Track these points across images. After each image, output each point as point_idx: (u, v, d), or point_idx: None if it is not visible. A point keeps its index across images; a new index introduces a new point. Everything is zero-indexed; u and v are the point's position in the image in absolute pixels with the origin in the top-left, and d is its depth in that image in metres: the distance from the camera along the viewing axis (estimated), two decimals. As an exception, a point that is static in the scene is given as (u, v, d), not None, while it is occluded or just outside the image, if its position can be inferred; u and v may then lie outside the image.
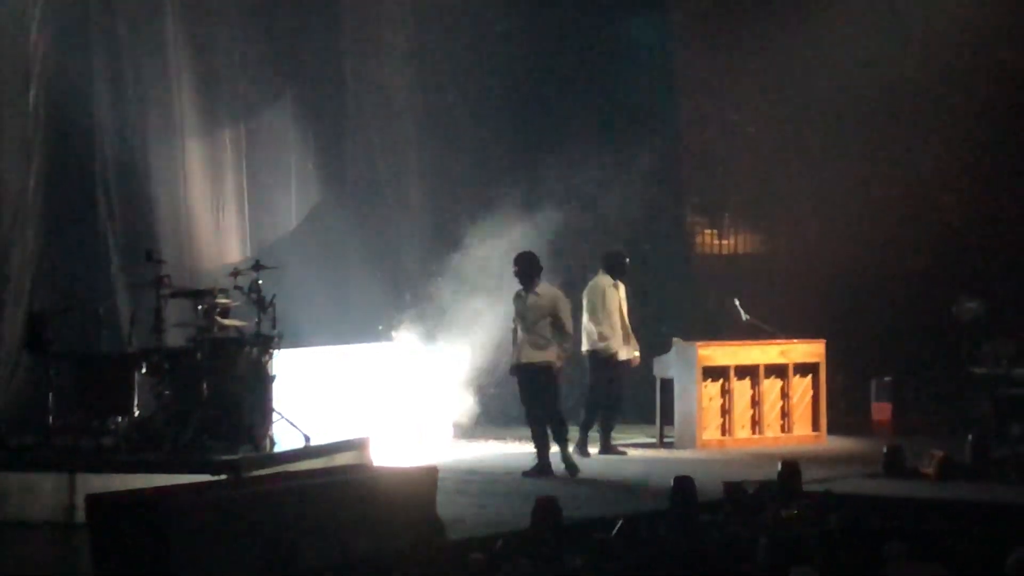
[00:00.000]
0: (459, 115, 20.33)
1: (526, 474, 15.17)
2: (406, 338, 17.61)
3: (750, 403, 17.68)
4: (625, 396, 17.39)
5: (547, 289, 15.55)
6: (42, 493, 12.50)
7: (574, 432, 16.35)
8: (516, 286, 15.60)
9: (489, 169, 19.16)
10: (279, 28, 18.57)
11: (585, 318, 16.98)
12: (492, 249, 17.93)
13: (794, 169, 21.25)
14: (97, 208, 16.30)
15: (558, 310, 15.41)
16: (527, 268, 15.48)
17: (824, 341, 18.10)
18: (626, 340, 17.12)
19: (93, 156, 16.26)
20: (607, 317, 16.98)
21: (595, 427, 17.11)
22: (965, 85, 20.19)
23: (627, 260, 17.29)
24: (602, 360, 16.99)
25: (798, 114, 20.94)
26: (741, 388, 17.59)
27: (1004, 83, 20.12)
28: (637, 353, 17.24)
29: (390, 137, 19.88)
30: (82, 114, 16.02)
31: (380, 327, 17.77)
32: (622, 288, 17.22)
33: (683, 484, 11.28)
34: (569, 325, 15.54)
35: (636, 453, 17.10)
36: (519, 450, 17.13)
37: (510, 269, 15.81)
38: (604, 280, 17.12)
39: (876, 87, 20.49)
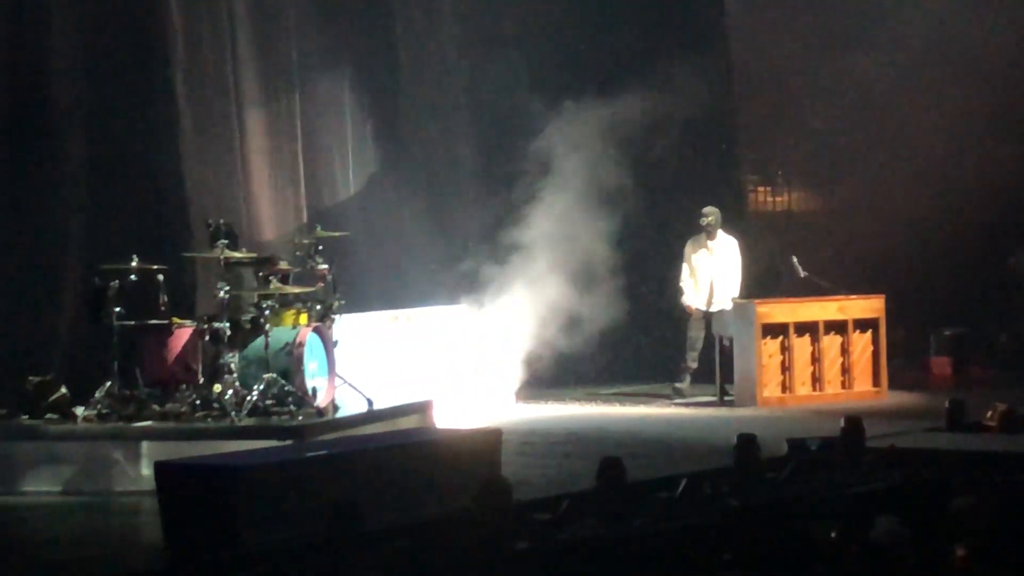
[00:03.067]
0: (512, 74, 20.24)
1: None
2: (466, 301, 17.64)
3: (810, 360, 17.61)
4: (701, 349, 17.90)
5: None
6: (109, 463, 12.61)
7: None
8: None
9: (544, 130, 19.05)
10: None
11: None
12: (549, 211, 17.94)
13: (849, 123, 21.15)
14: (156, 177, 16.30)
15: None
16: None
17: (883, 296, 18.02)
18: (709, 295, 17.74)
19: (149, 126, 16.26)
20: (690, 274, 17.77)
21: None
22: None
23: (709, 219, 17.80)
24: (684, 313, 17.93)
25: (853, 67, 20.82)
26: (801, 345, 17.54)
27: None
28: (715, 307, 17.70)
29: (443, 99, 19.82)
30: (137, 84, 15.99)
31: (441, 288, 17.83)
32: (714, 246, 17.80)
33: (746, 442, 11.25)
34: None
35: (697, 411, 17.14)
36: (579, 411, 17.20)
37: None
38: (693, 239, 17.93)
39: (935, 39, 20.37)
